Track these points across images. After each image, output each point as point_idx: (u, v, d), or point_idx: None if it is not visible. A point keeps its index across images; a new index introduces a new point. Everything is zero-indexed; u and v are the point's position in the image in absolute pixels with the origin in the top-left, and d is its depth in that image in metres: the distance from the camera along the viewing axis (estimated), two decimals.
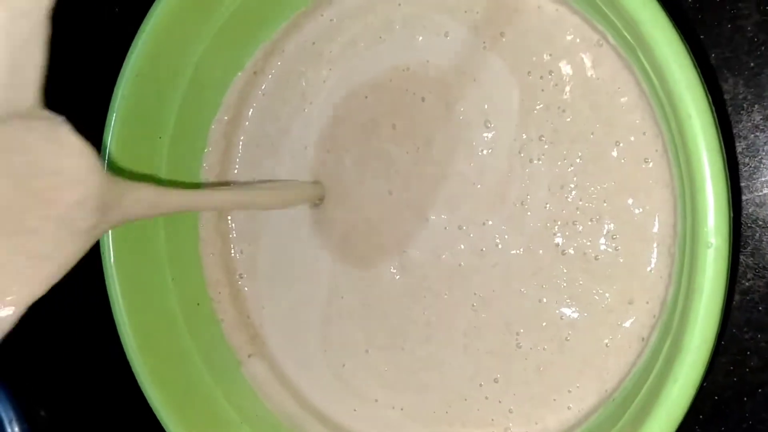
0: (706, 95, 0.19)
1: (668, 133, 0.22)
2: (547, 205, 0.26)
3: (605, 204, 0.26)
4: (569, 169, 0.26)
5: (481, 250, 0.27)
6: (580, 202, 0.26)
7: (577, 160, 0.26)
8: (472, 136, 0.27)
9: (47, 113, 0.21)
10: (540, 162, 0.27)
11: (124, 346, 0.27)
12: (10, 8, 0.20)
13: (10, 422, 0.38)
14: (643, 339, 0.25)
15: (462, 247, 0.28)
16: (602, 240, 0.26)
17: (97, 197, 0.20)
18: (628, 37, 0.21)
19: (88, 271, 0.33)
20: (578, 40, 0.26)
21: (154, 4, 0.26)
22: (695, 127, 0.19)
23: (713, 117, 0.19)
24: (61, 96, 0.36)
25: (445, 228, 0.28)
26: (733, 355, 0.27)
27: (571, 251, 0.26)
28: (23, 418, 0.38)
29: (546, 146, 0.26)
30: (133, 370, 0.27)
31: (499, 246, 0.27)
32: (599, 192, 0.26)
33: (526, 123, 0.27)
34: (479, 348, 0.28)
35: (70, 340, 0.37)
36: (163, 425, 0.27)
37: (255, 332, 0.30)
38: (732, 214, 0.19)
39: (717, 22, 0.27)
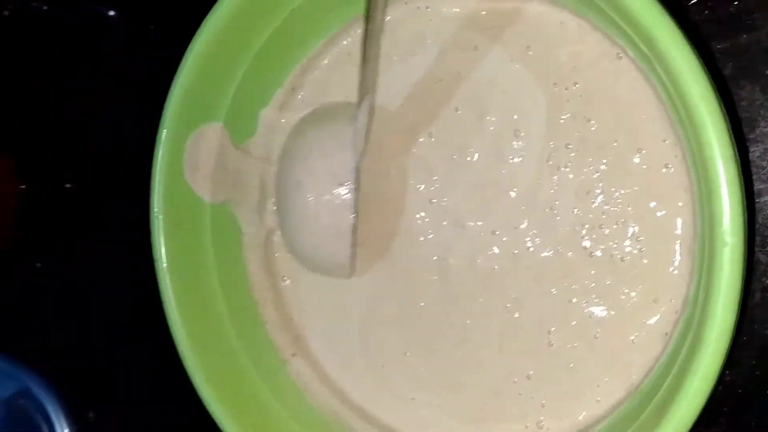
0: (720, 105, 0.20)
1: (686, 140, 0.24)
2: (575, 210, 0.28)
3: (629, 208, 0.27)
4: (595, 176, 0.27)
5: (514, 253, 0.29)
6: (606, 207, 0.27)
7: (602, 167, 0.27)
8: (503, 145, 0.29)
9: None
10: (567, 169, 0.28)
11: (178, 347, 0.29)
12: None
13: (60, 423, 0.38)
14: (666, 334, 0.26)
15: (496, 251, 0.29)
16: (627, 242, 0.27)
17: None
18: (646, 51, 0.23)
19: (138, 275, 0.35)
20: (599, 54, 0.27)
21: (200, 29, 0.28)
22: (710, 135, 0.20)
23: (727, 125, 0.20)
24: (111, 121, 0.38)
25: (480, 234, 0.29)
26: (756, 350, 0.28)
27: (599, 253, 0.27)
28: (72, 420, 0.38)
29: (572, 154, 0.28)
30: (186, 369, 0.29)
31: (531, 249, 0.28)
32: (624, 197, 0.27)
33: (554, 132, 0.28)
34: (513, 347, 0.29)
35: (119, 343, 0.39)
36: (216, 421, 0.28)
37: (297, 333, 0.32)
38: (747, 215, 0.21)
39: (733, 33, 0.28)
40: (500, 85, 0.29)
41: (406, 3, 0.29)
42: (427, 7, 0.29)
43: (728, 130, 0.20)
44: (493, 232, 0.29)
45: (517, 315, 0.29)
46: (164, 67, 0.35)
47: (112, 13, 0.40)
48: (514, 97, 0.29)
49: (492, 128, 0.29)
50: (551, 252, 0.28)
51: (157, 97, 0.38)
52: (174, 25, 0.37)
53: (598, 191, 0.27)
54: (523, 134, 0.29)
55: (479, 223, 0.29)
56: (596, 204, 0.27)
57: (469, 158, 0.29)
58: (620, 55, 0.26)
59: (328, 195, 0.28)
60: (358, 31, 0.30)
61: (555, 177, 0.28)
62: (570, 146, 0.28)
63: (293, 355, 0.31)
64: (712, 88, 0.21)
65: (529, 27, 0.28)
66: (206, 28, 0.27)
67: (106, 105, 0.39)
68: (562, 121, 0.28)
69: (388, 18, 0.30)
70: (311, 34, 0.30)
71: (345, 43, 0.31)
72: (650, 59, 0.23)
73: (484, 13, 0.29)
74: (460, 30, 0.29)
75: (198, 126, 0.29)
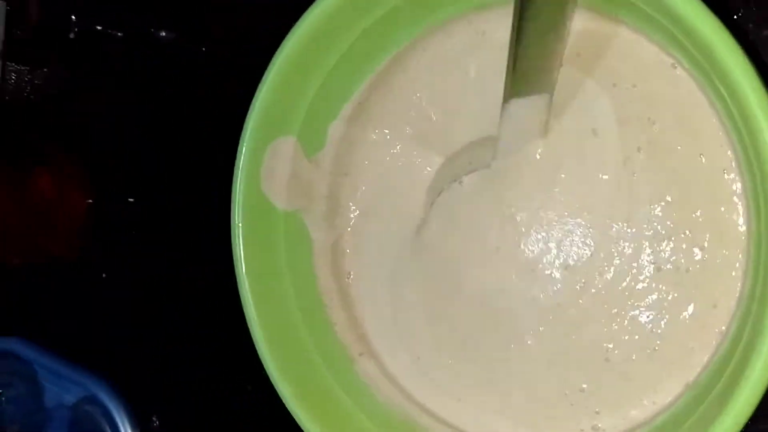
0: None
1: (741, 147, 0.25)
2: (648, 221, 0.28)
3: (695, 215, 0.27)
4: (665, 181, 0.28)
5: (583, 283, 0.29)
6: (674, 215, 0.28)
7: (671, 173, 0.28)
8: (584, 146, 0.29)
9: None
10: (637, 176, 0.28)
11: (257, 346, 0.30)
12: (517, 124, 0.27)
13: (125, 428, 0.40)
14: (720, 332, 0.27)
15: (563, 284, 0.29)
16: (694, 251, 0.27)
17: None
18: (702, 61, 0.24)
19: (209, 281, 0.37)
20: (655, 63, 0.28)
21: (279, 49, 0.30)
22: (765, 137, 0.22)
23: None
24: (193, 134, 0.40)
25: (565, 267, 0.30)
26: None
27: (668, 266, 0.28)
28: (136, 425, 0.40)
29: (642, 157, 0.28)
30: (265, 367, 0.30)
31: (598, 273, 0.29)
32: (691, 203, 0.27)
33: (625, 133, 0.28)
34: (568, 363, 0.29)
35: (184, 349, 0.40)
36: (293, 415, 0.30)
37: (363, 333, 0.33)
38: None
39: None
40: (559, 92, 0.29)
41: (469, 23, 0.31)
42: (484, 32, 0.30)
43: None
44: (566, 266, 0.29)
45: (574, 337, 0.29)
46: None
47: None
48: (575, 97, 0.29)
49: (567, 128, 0.29)
50: (618, 272, 0.28)
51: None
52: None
53: (669, 198, 0.28)
54: (599, 133, 0.29)
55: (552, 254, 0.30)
56: (666, 212, 0.28)
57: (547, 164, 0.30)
58: (675, 65, 0.27)
59: None
60: (424, 50, 0.32)
61: (630, 185, 0.28)
62: (641, 149, 0.28)
63: (360, 354, 0.33)
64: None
65: (577, 36, 0.28)
66: (285, 48, 0.29)
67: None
68: (629, 123, 0.28)
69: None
70: (380, 50, 0.31)
71: (410, 59, 0.32)
72: (706, 70, 0.24)
73: None
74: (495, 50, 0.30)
75: (274, 140, 0.31)
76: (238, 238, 0.30)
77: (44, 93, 0.44)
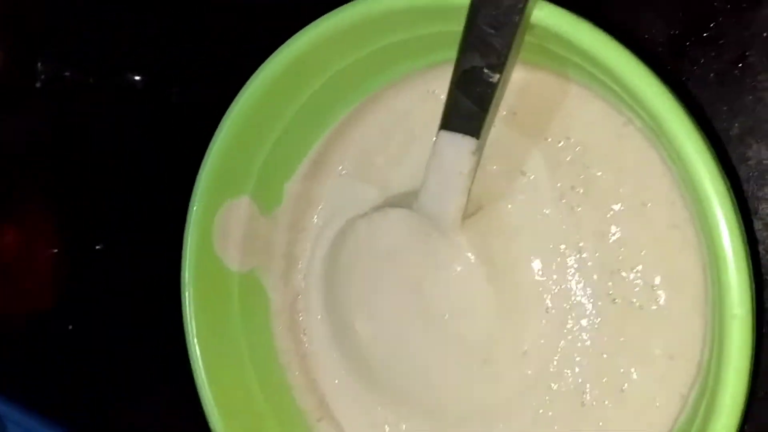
0: (726, 183, 0.21)
1: (694, 207, 0.24)
2: (597, 253, 0.27)
3: (643, 253, 0.27)
4: (607, 217, 0.27)
5: (561, 321, 0.28)
6: (622, 250, 0.27)
7: (612, 211, 0.27)
8: (515, 185, 0.29)
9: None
10: (581, 209, 0.28)
11: (206, 412, 0.30)
12: (439, 159, 0.26)
13: None
14: (683, 396, 0.26)
15: (547, 328, 0.28)
16: (643, 291, 0.27)
17: None
18: (651, 124, 0.24)
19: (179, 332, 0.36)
20: (602, 119, 0.27)
21: (230, 108, 0.29)
22: (715, 211, 0.21)
23: (732, 202, 0.21)
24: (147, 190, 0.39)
25: (545, 310, 0.28)
26: None
27: (620, 300, 0.27)
28: None
29: (581, 191, 0.27)
30: None
31: (573, 306, 0.28)
32: (637, 243, 0.27)
33: (557, 175, 0.28)
34: (549, 415, 0.28)
35: (158, 402, 0.40)
36: None
37: (322, 397, 0.32)
38: (754, 285, 0.22)
39: (738, 94, 0.29)
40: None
41: (423, 82, 0.31)
42: (434, 91, 0.30)
43: (734, 206, 0.21)
44: (547, 310, 0.28)
45: (554, 386, 0.28)
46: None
47: None
48: (504, 149, 0.29)
49: (495, 168, 0.29)
50: (588, 302, 0.28)
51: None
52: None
53: (612, 233, 0.27)
54: (529, 175, 0.29)
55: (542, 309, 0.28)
56: (613, 247, 0.27)
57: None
58: (627, 123, 0.27)
59: None
60: (377, 109, 0.32)
61: (572, 218, 0.28)
62: (576, 188, 0.28)
63: (319, 419, 0.32)
64: (719, 167, 0.21)
65: (520, 95, 0.29)
66: (235, 109, 0.29)
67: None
68: (562, 165, 0.28)
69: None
70: (333, 109, 0.31)
71: (366, 118, 0.32)
72: (657, 134, 0.24)
73: None
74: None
75: (226, 200, 0.30)
76: (188, 302, 0.30)
77: (7, 144, 0.43)
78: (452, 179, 0.26)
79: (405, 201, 0.29)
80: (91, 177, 0.42)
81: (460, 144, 0.26)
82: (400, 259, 0.29)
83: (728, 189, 0.21)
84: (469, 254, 0.28)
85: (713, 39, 0.30)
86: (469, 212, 0.28)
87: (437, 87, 0.30)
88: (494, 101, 0.25)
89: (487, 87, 0.24)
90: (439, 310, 0.29)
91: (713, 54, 0.30)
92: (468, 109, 0.25)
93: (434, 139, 0.26)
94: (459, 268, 0.28)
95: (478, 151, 0.26)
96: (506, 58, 0.24)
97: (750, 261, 0.21)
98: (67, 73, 0.44)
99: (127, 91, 0.41)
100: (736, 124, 0.29)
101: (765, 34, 0.29)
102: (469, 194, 0.27)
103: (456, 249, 0.28)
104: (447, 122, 0.26)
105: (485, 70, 0.24)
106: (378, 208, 0.30)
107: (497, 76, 0.24)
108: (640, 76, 0.22)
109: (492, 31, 0.24)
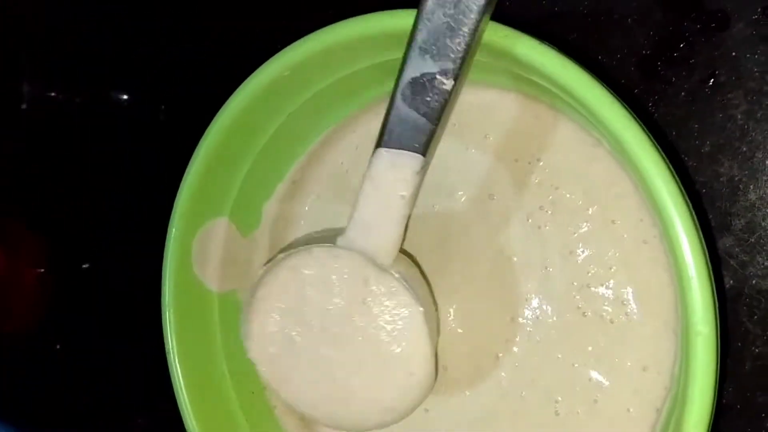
0: (688, 206, 0.22)
1: (661, 229, 0.25)
2: (564, 270, 0.28)
3: (612, 269, 0.27)
4: (574, 236, 0.28)
5: (528, 331, 0.28)
6: (590, 266, 0.27)
7: (581, 230, 0.27)
8: (484, 208, 0.29)
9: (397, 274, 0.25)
10: (549, 228, 0.28)
11: (188, 430, 0.30)
12: (376, 185, 0.23)
13: None
14: (657, 410, 0.27)
15: (517, 339, 0.29)
16: (613, 306, 0.27)
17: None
18: (615, 147, 0.24)
19: (149, 362, 0.36)
20: (572, 140, 0.28)
21: (206, 132, 0.30)
22: (678, 233, 0.21)
23: (695, 224, 0.22)
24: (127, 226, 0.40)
25: (511, 320, 0.29)
26: (749, 418, 0.29)
27: (590, 313, 0.27)
28: None
29: (549, 212, 0.28)
30: None
31: (540, 317, 0.28)
32: (606, 260, 0.27)
33: (525, 196, 0.28)
34: (524, 426, 0.29)
35: (141, 421, 0.40)
36: None
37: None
38: (717, 302, 0.22)
39: (710, 112, 0.30)
40: (453, 168, 0.29)
41: None
42: None
43: (696, 228, 0.22)
44: (513, 319, 0.29)
45: (524, 393, 0.29)
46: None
47: None
48: (474, 174, 0.29)
49: (463, 200, 0.29)
50: (555, 316, 0.28)
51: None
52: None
53: (580, 252, 0.28)
54: (496, 197, 0.29)
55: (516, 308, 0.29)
56: (581, 263, 0.28)
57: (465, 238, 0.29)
58: (596, 144, 0.27)
59: None
60: (353, 131, 0.32)
61: (539, 237, 0.28)
62: (544, 208, 0.28)
63: None
64: (681, 189, 0.22)
65: (493, 117, 0.29)
66: (211, 133, 0.29)
67: None
68: (529, 186, 0.28)
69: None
70: (308, 133, 0.32)
71: (342, 140, 0.32)
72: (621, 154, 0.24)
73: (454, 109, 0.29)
74: None
75: (204, 223, 0.31)
76: (169, 322, 0.30)
77: None
78: (391, 205, 0.24)
79: (333, 236, 0.27)
80: (78, 197, 0.42)
81: (402, 163, 0.24)
82: (326, 303, 0.27)
83: (692, 213, 0.22)
84: (407, 293, 0.26)
85: (684, 59, 0.30)
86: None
87: None
88: (446, 113, 0.23)
89: (439, 96, 0.22)
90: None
91: (684, 73, 0.30)
92: (414, 122, 0.23)
93: (370, 158, 0.24)
94: (399, 309, 0.26)
95: (423, 171, 0.23)
96: (463, 61, 0.22)
97: (713, 282, 0.22)
98: (52, 94, 0.44)
99: (114, 110, 0.42)
100: (708, 142, 0.30)
101: (734, 54, 0.30)
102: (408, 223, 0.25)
103: (392, 286, 0.26)
104: (387, 139, 0.23)
105: (438, 77, 0.22)
106: (303, 246, 0.27)
107: (451, 82, 0.22)
108: (603, 103, 0.22)
109: (448, 32, 0.22)
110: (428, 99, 0.22)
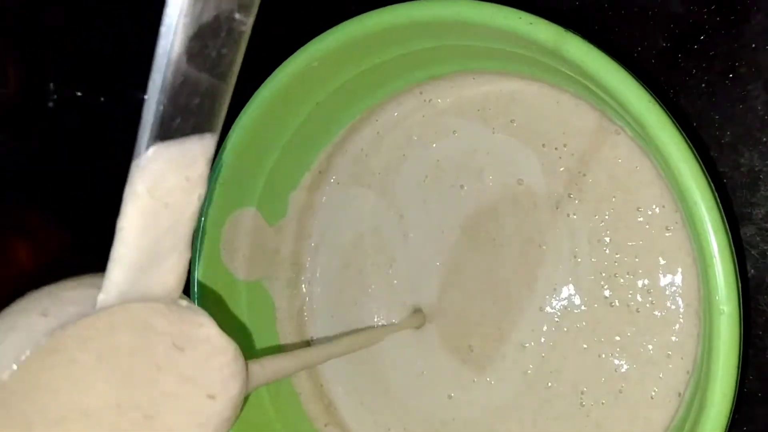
0: (711, 187, 0.22)
1: (684, 211, 0.25)
2: (592, 258, 0.28)
3: (637, 259, 0.27)
4: (601, 224, 0.28)
5: (555, 321, 0.29)
6: (617, 255, 0.28)
7: (606, 217, 0.28)
8: (515, 195, 0.29)
9: (186, 302, 0.19)
10: (576, 216, 0.29)
11: None
12: (158, 198, 0.16)
13: None
14: (679, 394, 0.27)
15: (544, 329, 0.29)
16: (639, 294, 0.28)
17: (238, 397, 0.19)
18: (640, 132, 0.25)
19: None
20: (595, 127, 0.28)
21: (235, 123, 0.30)
22: (702, 212, 0.22)
23: (717, 204, 0.22)
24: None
25: (539, 309, 0.29)
26: None
27: (617, 303, 0.28)
28: None
29: (576, 202, 0.28)
30: None
31: (567, 307, 0.29)
32: (631, 248, 0.28)
33: (553, 182, 0.29)
34: (549, 415, 0.29)
35: None
36: None
37: (329, 403, 0.33)
38: (740, 283, 0.22)
39: (730, 103, 0.30)
40: (481, 151, 0.30)
41: (420, 93, 0.32)
42: (430, 100, 0.31)
43: (718, 206, 0.22)
44: (541, 308, 0.29)
45: (549, 384, 0.29)
46: None
47: None
48: (501, 156, 0.30)
49: (492, 183, 0.30)
50: (583, 305, 0.28)
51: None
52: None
53: (607, 240, 0.28)
54: (525, 182, 0.29)
55: (539, 302, 0.29)
56: (608, 252, 0.28)
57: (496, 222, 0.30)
58: (618, 131, 0.28)
59: None
60: (377, 119, 0.32)
61: (568, 225, 0.29)
62: (572, 196, 0.29)
63: (326, 424, 0.33)
64: (702, 169, 0.22)
65: (517, 105, 0.29)
66: (240, 123, 0.30)
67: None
68: (557, 173, 0.29)
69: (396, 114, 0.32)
70: (335, 123, 0.32)
71: (366, 128, 0.33)
72: (646, 142, 0.24)
73: (477, 98, 0.30)
74: (443, 118, 0.31)
75: (233, 212, 0.31)
76: None
77: (23, 162, 0.44)
78: (178, 219, 0.17)
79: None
80: (102, 192, 0.43)
81: (188, 155, 0.16)
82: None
83: (714, 193, 0.22)
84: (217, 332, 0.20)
85: (704, 51, 0.30)
86: None
87: (433, 96, 0.31)
88: (236, 69, 0.16)
89: (234, 43, 0.15)
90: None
91: (704, 65, 0.30)
92: (198, 86, 0.15)
93: (135, 163, 0.16)
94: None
95: (211, 158, 0.17)
96: None
97: (736, 261, 0.22)
98: (78, 93, 0.45)
99: (138, 108, 0.42)
100: (728, 133, 0.30)
101: (753, 46, 0.30)
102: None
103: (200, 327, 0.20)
104: (164, 128, 0.16)
105: (236, 16, 0.15)
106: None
107: (250, 20, 0.16)
108: (628, 87, 0.23)
109: None
110: (221, 48, 0.16)
